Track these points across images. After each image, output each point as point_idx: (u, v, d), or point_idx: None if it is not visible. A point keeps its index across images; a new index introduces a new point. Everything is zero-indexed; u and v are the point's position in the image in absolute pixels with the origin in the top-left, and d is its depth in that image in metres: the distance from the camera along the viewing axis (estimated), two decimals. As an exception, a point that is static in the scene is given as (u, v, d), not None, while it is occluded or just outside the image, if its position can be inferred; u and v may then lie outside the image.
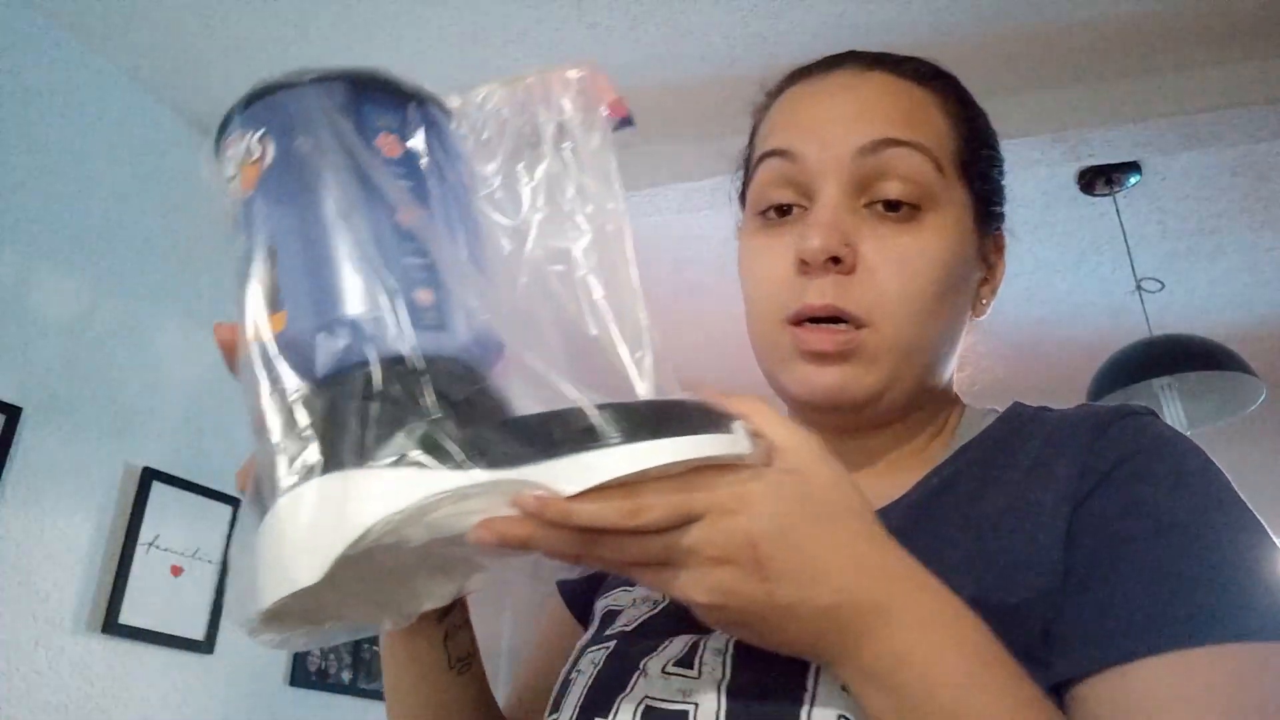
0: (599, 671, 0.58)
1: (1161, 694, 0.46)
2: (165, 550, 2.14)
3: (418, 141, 0.49)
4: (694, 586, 0.43)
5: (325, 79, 0.49)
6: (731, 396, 0.46)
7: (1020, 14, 2.01)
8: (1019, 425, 0.62)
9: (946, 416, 0.66)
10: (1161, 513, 0.51)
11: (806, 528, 0.43)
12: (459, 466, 0.41)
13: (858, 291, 0.59)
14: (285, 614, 0.43)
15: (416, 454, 0.41)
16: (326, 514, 0.40)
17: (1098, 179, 2.51)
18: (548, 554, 0.43)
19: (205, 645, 2.19)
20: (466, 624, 0.66)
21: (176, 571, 2.16)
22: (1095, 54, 2.14)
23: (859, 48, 0.69)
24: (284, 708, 2.42)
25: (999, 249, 0.68)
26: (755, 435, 0.45)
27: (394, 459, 0.41)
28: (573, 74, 0.53)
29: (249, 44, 2.14)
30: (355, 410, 0.42)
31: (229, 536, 2.28)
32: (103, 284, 2.12)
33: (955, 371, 0.68)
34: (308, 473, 0.42)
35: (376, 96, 0.50)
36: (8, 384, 1.89)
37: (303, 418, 0.43)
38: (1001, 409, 0.66)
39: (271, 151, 0.48)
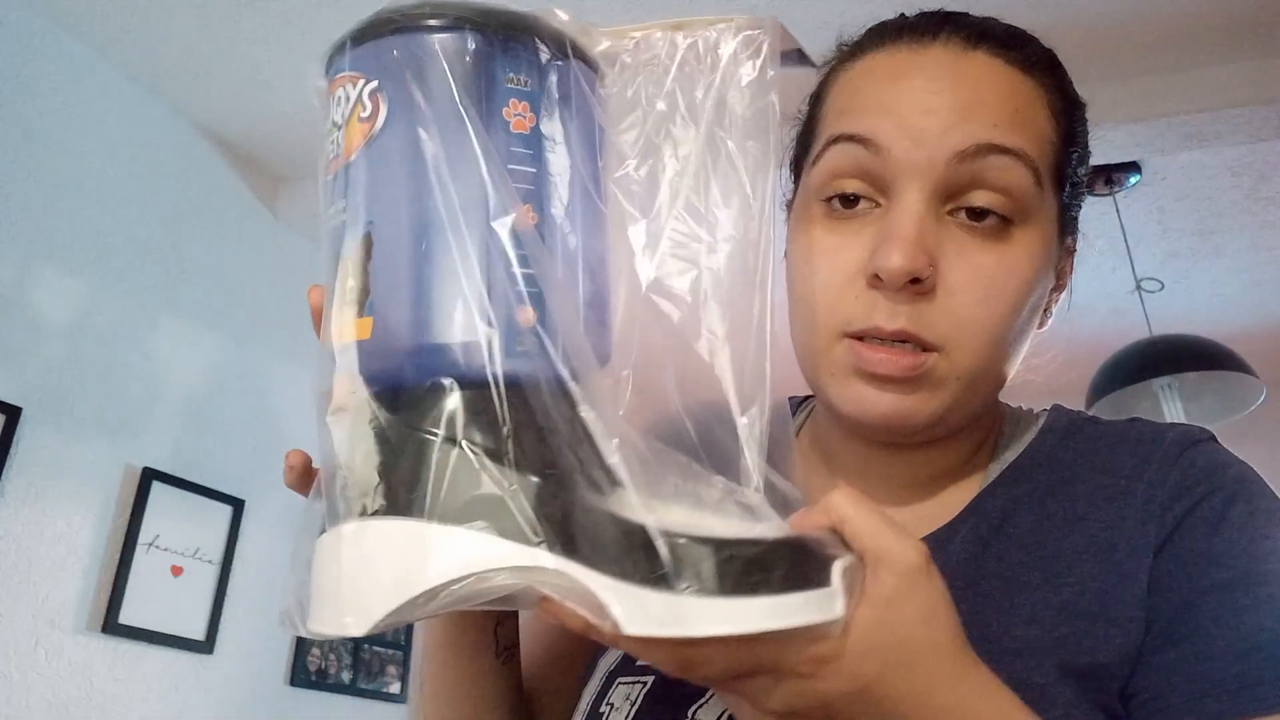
0: (637, 711, 0.55)
1: None
2: (165, 550, 2.14)
3: (552, 115, 0.42)
4: (758, 705, 0.41)
5: (458, 24, 0.41)
6: (831, 496, 0.41)
7: (1019, 14, 2.00)
8: (1069, 439, 0.59)
9: (990, 425, 0.62)
10: (1242, 561, 0.49)
11: (884, 683, 0.39)
12: (529, 544, 0.37)
13: (934, 316, 0.52)
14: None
15: (486, 526, 0.37)
16: (386, 564, 0.38)
17: (1098, 179, 2.51)
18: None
19: (205, 645, 2.19)
20: (514, 612, 0.62)
21: (176, 571, 2.16)
22: (1095, 54, 2.14)
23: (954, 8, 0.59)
24: (284, 708, 2.41)
25: (1070, 253, 0.61)
26: (849, 547, 0.40)
27: (465, 525, 0.37)
28: (748, 29, 0.45)
29: (250, 44, 2.14)
30: (433, 454, 0.38)
31: (229, 536, 2.29)
32: (103, 284, 2.12)
33: None
34: (372, 509, 0.39)
35: (515, 50, 0.41)
36: (8, 384, 1.89)
37: (376, 447, 0.39)
38: (1038, 411, 0.63)
39: (383, 114, 0.41)
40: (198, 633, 2.17)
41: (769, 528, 0.40)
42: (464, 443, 0.38)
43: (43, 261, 2.00)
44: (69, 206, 2.07)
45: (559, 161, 0.41)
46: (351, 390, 0.40)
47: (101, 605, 1.99)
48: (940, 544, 0.55)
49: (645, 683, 0.56)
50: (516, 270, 0.39)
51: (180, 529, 2.17)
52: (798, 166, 0.62)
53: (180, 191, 2.34)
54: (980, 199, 0.52)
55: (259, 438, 2.41)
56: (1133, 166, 2.49)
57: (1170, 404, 2.37)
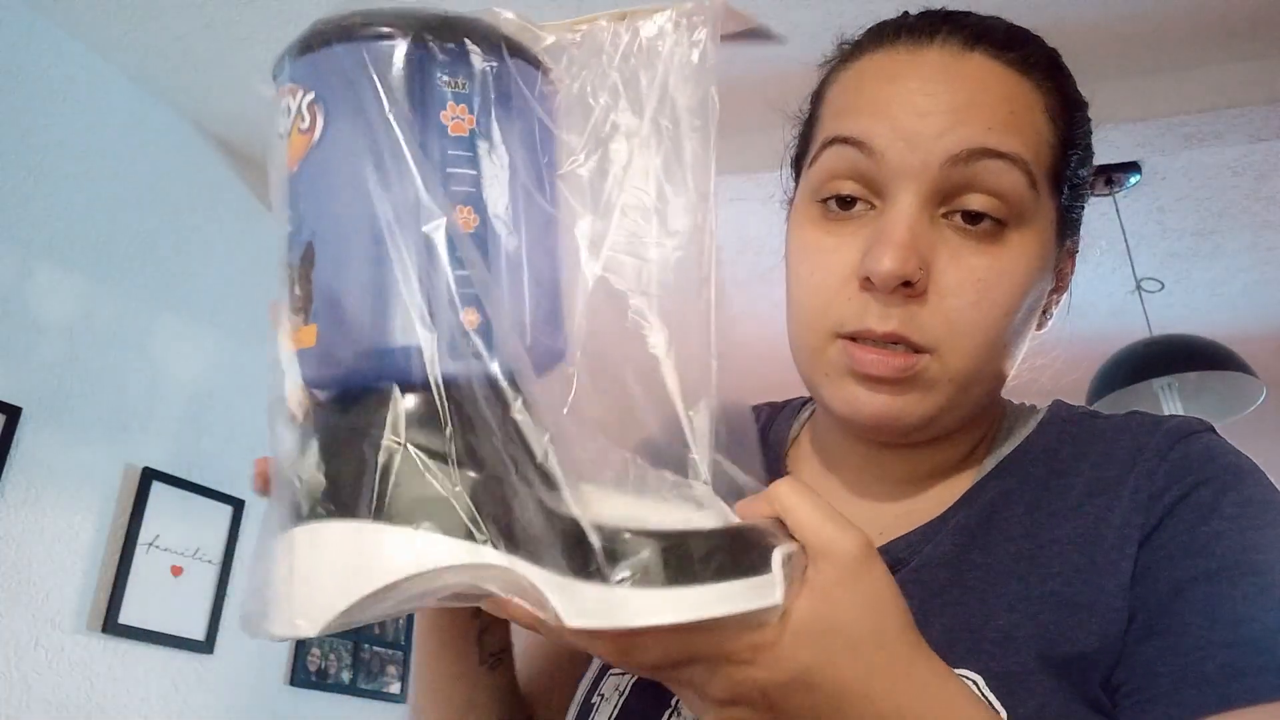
0: (625, 701, 0.56)
1: None
2: (165, 550, 2.14)
3: (491, 116, 0.41)
4: (704, 712, 0.42)
5: (389, 33, 0.41)
6: (775, 486, 0.42)
7: (1020, 14, 2.00)
8: (1067, 434, 0.58)
9: (990, 422, 0.61)
10: (1230, 553, 0.49)
11: (824, 668, 0.39)
12: (474, 542, 0.37)
13: (926, 318, 0.52)
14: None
15: (431, 526, 0.38)
16: (335, 566, 0.39)
17: (1098, 179, 2.51)
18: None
19: (205, 645, 2.19)
20: (502, 621, 0.61)
21: (176, 571, 2.16)
22: (1095, 54, 2.14)
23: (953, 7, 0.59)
24: (284, 708, 2.41)
25: (1072, 254, 0.61)
26: (792, 539, 0.41)
27: (411, 525, 0.38)
28: (689, 15, 0.44)
29: (249, 44, 2.14)
30: (378, 457, 0.38)
31: (229, 536, 2.29)
32: (103, 284, 2.12)
33: None
34: (322, 512, 0.39)
35: (450, 53, 0.41)
36: (8, 384, 1.89)
37: (322, 452, 0.40)
38: (1039, 406, 0.62)
39: (320, 124, 0.41)
40: (198, 633, 2.17)
41: (710, 517, 0.40)
42: (408, 445, 0.38)
43: (43, 261, 2.00)
44: (69, 206, 2.07)
45: (500, 162, 0.41)
46: (300, 398, 0.41)
47: (101, 605, 1.99)
48: (929, 536, 0.55)
49: (634, 674, 0.56)
50: (451, 274, 0.39)
51: (180, 529, 2.17)
52: (798, 165, 0.62)
53: (180, 191, 2.34)
54: (974, 202, 0.52)
55: (259, 438, 2.39)
56: (1133, 166, 2.49)
57: (1170, 404, 2.37)
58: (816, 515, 0.41)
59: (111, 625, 1.99)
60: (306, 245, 0.41)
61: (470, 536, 0.38)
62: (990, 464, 0.58)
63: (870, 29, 0.60)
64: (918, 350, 0.53)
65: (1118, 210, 2.60)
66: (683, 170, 0.44)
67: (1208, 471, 0.52)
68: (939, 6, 0.60)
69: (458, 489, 0.38)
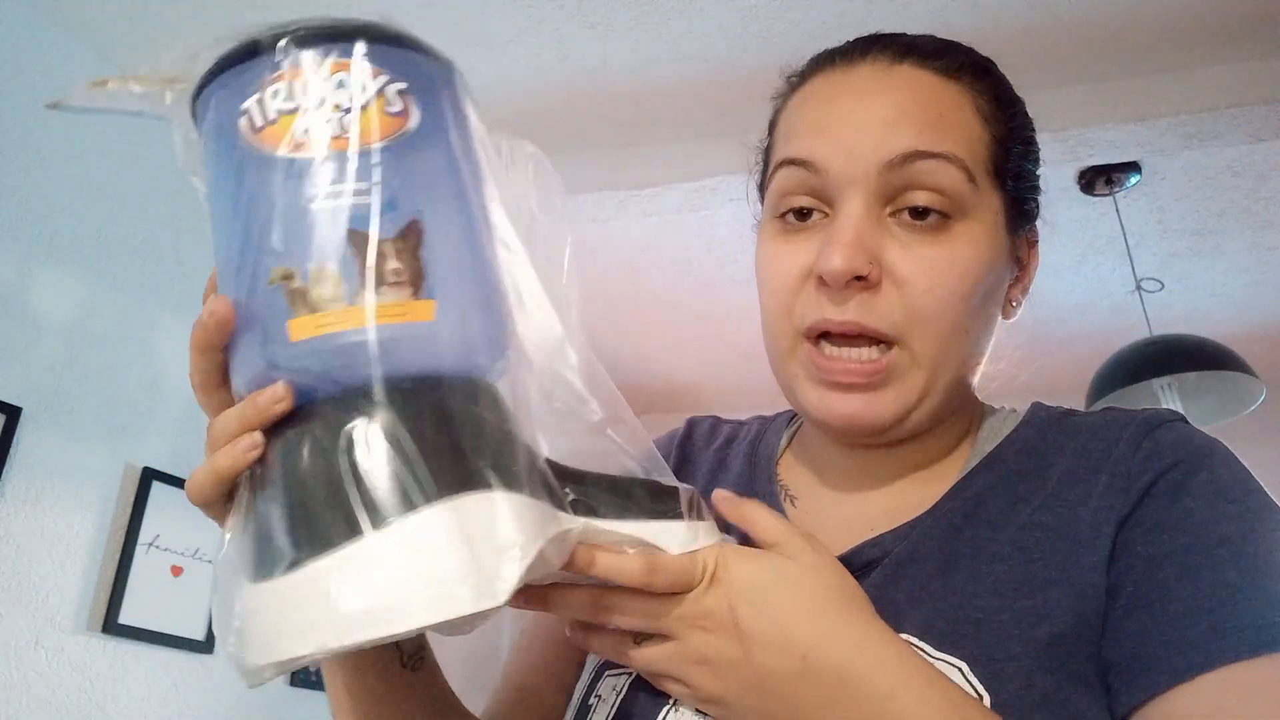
0: (622, 700, 0.57)
1: (1226, 708, 0.46)
2: (165, 550, 2.14)
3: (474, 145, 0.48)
4: (681, 655, 0.49)
5: (450, 63, 0.48)
6: (743, 504, 0.52)
7: (1020, 14, 2.01)
8: (1046, 430, 0.61)
9: (969, 419, 0.64)
10: (1203, 526, 0.51)
11: (781, 597, 0.47)
12: (568, 510, 0.46)
13: (884, 307, 0.56)
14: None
15: (548, 500, 0.44)
16: (503, 529, 0.41)
17: (1098, 179, 2.51)
18: (561, 612, 0.50)
19: (205, 645, 2.19)
20: None
21: (176, 572, 2.16)
22: (1095, 54, 2.14)
23: (885, 29, 0.65)
24: (284, 708, 2.42)
25: (1032, 244, 0.65)
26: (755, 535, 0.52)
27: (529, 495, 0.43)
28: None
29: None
30: (497, 429, 0.43)
31: (229, 536, 2.28)
32: (103, 284, 2.12)
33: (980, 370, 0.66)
34: (480, 483, 0.40)
35: (467, 95, 0.49)
36: (8, 384, 1.89)
37: (464, 422, 0.42)
38: (1020, 409, 0.64)
39: (417, 115, 0.43)
40: (198, 633, 2.17)
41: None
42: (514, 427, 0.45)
43: (43, 261, 2.00)
44: (69, 206, 2.07)
45: (483, 183, 0.48)
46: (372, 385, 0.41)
47: (101, 605, 1.99)
48: (916, 529, 0.58)
49: (631, 674, 0.57)
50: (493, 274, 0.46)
51: (180, 529, 2.17)
52: (762, 189, 0.67)
53: (180, 192, 2.33)
54: (918, 199, 0.56)
55: (259, 438, 2.40)
56: (1133, 166, 2.49)
57: (1170, 404, 2.36)
58: (767, 514, 0.51)
59: (111, 625, 1.99)
60: (411, 221, 0.41)
61: (557, 504, 0.45)
62: (974, 461, 0.61)
63: (811, 59, 0.66)
64: (882, 341, 0.56)
65: (1118, 210, 2.60)
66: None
67: (1179, 455, 0.54)
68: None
69: (550, 466, 0.45)
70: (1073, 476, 0.56)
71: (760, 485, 0.67)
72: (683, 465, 0.73)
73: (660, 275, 3.12)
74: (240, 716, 2.28)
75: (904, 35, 0.63)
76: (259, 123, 0.42)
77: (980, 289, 0.58)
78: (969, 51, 0.63)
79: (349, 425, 0.40)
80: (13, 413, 1.88)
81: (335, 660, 0.60)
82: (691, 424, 0.77)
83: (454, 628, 0.40)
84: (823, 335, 0.58)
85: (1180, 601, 0.49)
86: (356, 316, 0.40)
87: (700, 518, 0.50)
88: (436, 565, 0.38)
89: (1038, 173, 0.65)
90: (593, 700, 0.59)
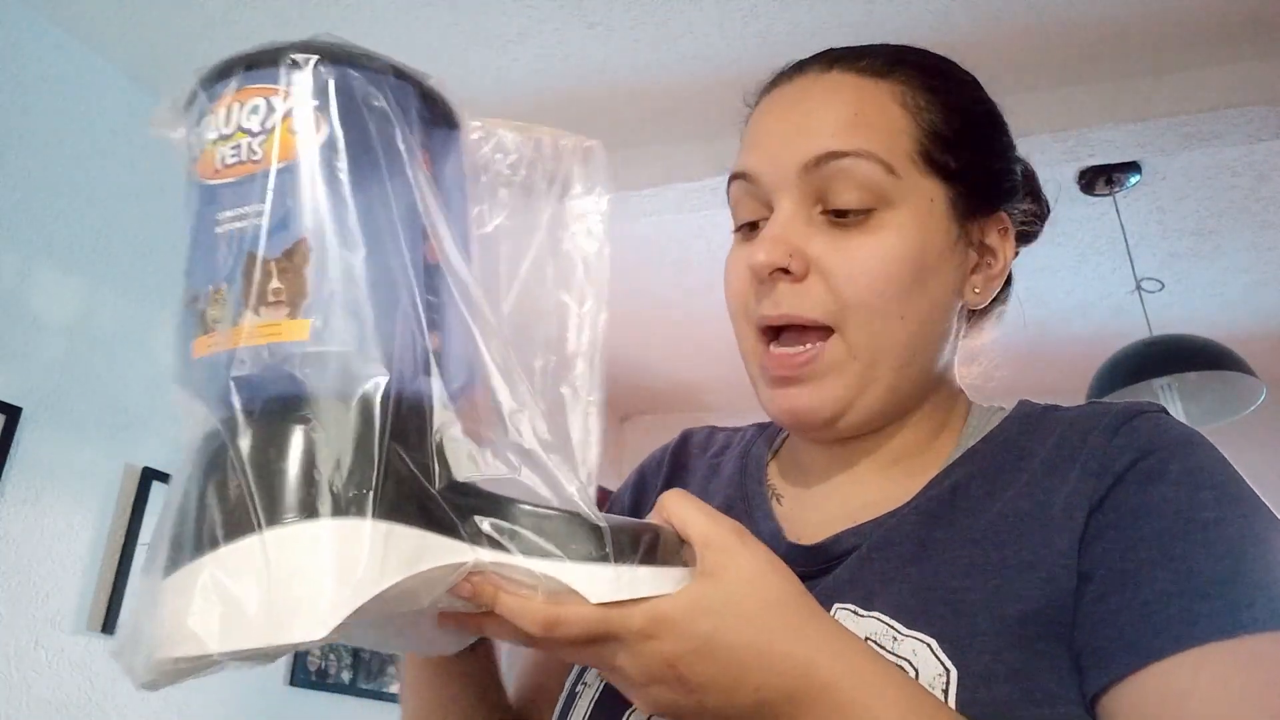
0: (605, 684, 0.58)
1: (1195, 689, 0.46)
2: (165, 550, 2.14)
3: (445, 169, 0.47)
4: (635, 697, 0.47)
5: (403, 76, 0.46)
6: (663, 499, 0.49)
7: (1020, 14, 2.01)
8: (1028, 425, 0.62)
9: (950, 412, 0.65)
10: (1179, 511, 0.51)
11: (720, 637, 0.45)
12: (468, 542, 0.42)
13: (812, 297, 0.59)
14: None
15: (434, 529, 0.41)
16: (337, 563, 0.39)
17: (1098, 179, 2.51)
18: (498, 639, 0.48)
19: (205, 645, 2.19)
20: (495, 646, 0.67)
21: (176, 571, 2.16)
22: (1095, 54, 2.14)
23: (835, 44, 0.67)
24: (284, 708, 2.42)
25: (1001, 230, 0.65)
26: (679, 534, 0.48)
27: (399, 522, 0.40)
28: (586, 143, 0.53)
29: (250, 43, 2.14)
30: (367, 454, 0.40)
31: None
32: (103, 284, 2.12)
33: (961, 366, 0.67)
34: (315, 510, 0.39)
35: (431, 110, 0.47)
36: (8, 384, 1.89)
37: (312, 447, 0.40)
38: (1008, 407, 0.65)
39: (327, 129, 0.43)
40: (198, 633, 2.17)
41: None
42: (395, 443, 0.41)
43: (43, 261, 2.00)
44: (69, 206, 2.07)
45: (446, 206, 0.46)
46: (292, 394, 0.41)
47: (101, 605, 1.99)
48: (894, 517, 0.59)
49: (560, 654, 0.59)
50: (431, 297, 0.44)
51: (180, 529, 2.17)
52: None
53: (180, 191, 2.33)
54: (839, 194, 0.60)
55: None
56: (1133, 166, 2.49)
57: (1170, 404, 2.37)
58: (695, 513, 0.47)
59: (111, 625, 1.99)
60: (298, 242, 0.42)
61: (467, 541, 0.42)
62: (956, 454, 0.62)
63: (767, 80, 0.69)
64: (818, 328, 0.59)
65: (1118, 210, 2.60)
66: (578, 262, 0.51)
67: (1155, 443, 0.55)
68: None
69: (448, 493, 0.42)
70: (1049, 465, 0.57)
71: (750, 487, 0.69)
72: (676, 473, 0.75)
73: (660, 275, 3.12)
74: (240, 716, 2.28)
75: (841, 47, 0.66)
76: (195, 154, 0.46)
77: (910, 274, 0.59)
78: (898, 49, 0.66)
79: (212, 447, 0.42)
80: (13, 413, 1.88)
81: (410, 669, 0.66)
82: (686, 434, 0.79)
83: (263, 656, 0.40)
84: (775, 336, 0.61)
85: (1153, 585, 0.49)
86: (233, 337, 0.41)
87: (652, 561, 0.45)
88: (244, 596, 0.38)
89: (1004, 160, 0.66)
90: (579, 688, 0.61)
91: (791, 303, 0.59)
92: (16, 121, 1.99)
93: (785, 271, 0.59)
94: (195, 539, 0.41)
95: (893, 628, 0.52)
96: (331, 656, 2.59)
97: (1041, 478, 0.56)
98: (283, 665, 2.45)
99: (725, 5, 2.04)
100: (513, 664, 0.74)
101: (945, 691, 0.48)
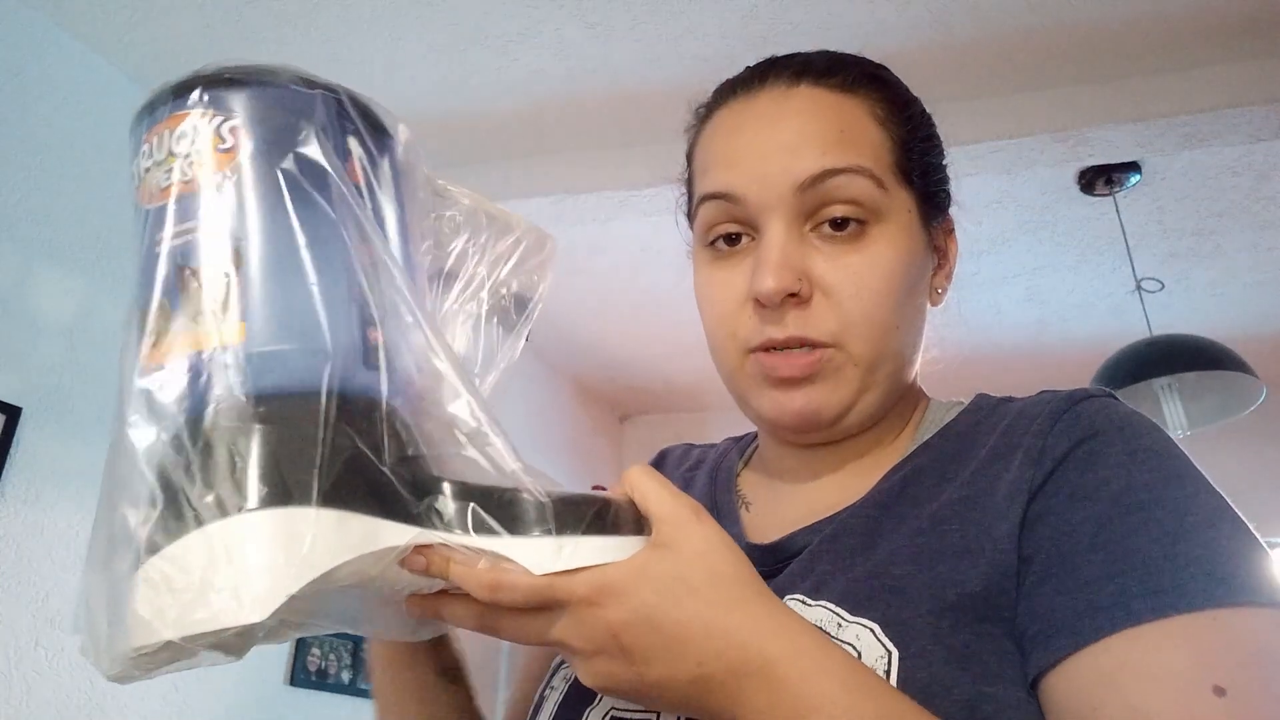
0: (570, 687, 0.61)
1: (1129, 668, 0.47)
2: (165, 550, 2.14)
3: (379, 177, 0.50)
4: (579, 670, 0.47)
5: (316, 87, 0.49)
6: (627, 473, 0.50)
7: (1020, 14, 2.01)
8: (982, 417, 0.63)
9: (913, 408, 0.67)
10: (1118, 493, 0.51)
11: (665, 607, 0.45)
12: (414, 523, 0.44)
13: (819, 318, 0.60)
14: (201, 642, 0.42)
15: (379, 511, 0.43)
16: (278, 548, 0.41)
17: (1098, 179, 2.52)
18: (451, 623, 0.48)
19: (205, 645, 2.19)
20: (450, 639, 0.69)
21: (176, 571, 2.16)
22: (1095, 54, 2.14)
23: (781, 53, 0.68)
24: (284, 708, 2.42)
25: (949, 232, 0.68)
26: (637, 508, 0.49)
27: (343, 506, 0.42)
28: (536, 235, 0.56)
29: (250, 44, 2.14)
30: (310, 443, 0.43)
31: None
32: (103, 284, 2.12)
33: (919, 360, 0.69)
34: (255, 503, 0.41)
35: (355, 119, 0.50)
36: (8, 384, 1.89)
37: (254, 441, 0.42)
38: (966, 401, 0.66)
39: (248, 146, 0.46)
40: (198, 633, 2.18)
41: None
42: (334, 435, 0.43)
43: (43, 261, 2.00)
44: (69, 206, 2.07)
45: (378, 213, 0.50)
46: (228, 391, 0.43)
47: (101, 605, 1.99)
48: (847, 511, 0.61)
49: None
50: (368, 295, 0.46)
51: (180, 529, 2.17)
52: (690, 217, 0.70)
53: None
54: (835, 212, 0.60)
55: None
56: (1133, 166, 2.49)
57: (1170, 404, 2.37)
58: (655, 487, 0.48)
59: (111, 625, 1.99)
60: (231, 251, 0.45)
61: (415, 520, 0.44)
62: (911, 448, 0.64)
63: (715, 90, 0.69)
64: (820, 346, 0.60)
65: (1118, 210, 2.60)
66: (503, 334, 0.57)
67: (1098, 426, 0.55)
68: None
69: (395, 477, 0.44)
70: (995, 453, 0.58)
71: (720, 496, 0.71)
72: None
73: (660, 275, 3.12)
74: (240, 716, 2.28)
75: (798, 56, 0.66)
76: (136, 182, 0.48)
77: (903, 285, 0.61)
78: (861, 63, 0.67)
79: (160, 446, 0.45)
80: (13, 413, 1.88)
81: (379, 660, 0.68)
82: (664, 452, 0.82)
83: (225, 646, 0.42)
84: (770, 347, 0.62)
85: (1091, 568, 0.50)
86: (175, 345, 0.44)
87: (600, 531, 0.46)
88: (191, 584, 0.41)
89: (943, 164, 0.68)
90: (548, 691, 0.63)
91: (798, 324, 0.60)
92: (17, 122, 1.99)
93: (792, 296, 0.60)
94: (147, 534, 0.43)
95: (838, 615, 0.53)
96: (331, 656, 2.59)
97: (987, 465, 0.57)
98: (283, 665, 2.45)
99: (725, 5, 2.04)
100: (509, 678, 0.76)
101: (887, 672, 0.49)
